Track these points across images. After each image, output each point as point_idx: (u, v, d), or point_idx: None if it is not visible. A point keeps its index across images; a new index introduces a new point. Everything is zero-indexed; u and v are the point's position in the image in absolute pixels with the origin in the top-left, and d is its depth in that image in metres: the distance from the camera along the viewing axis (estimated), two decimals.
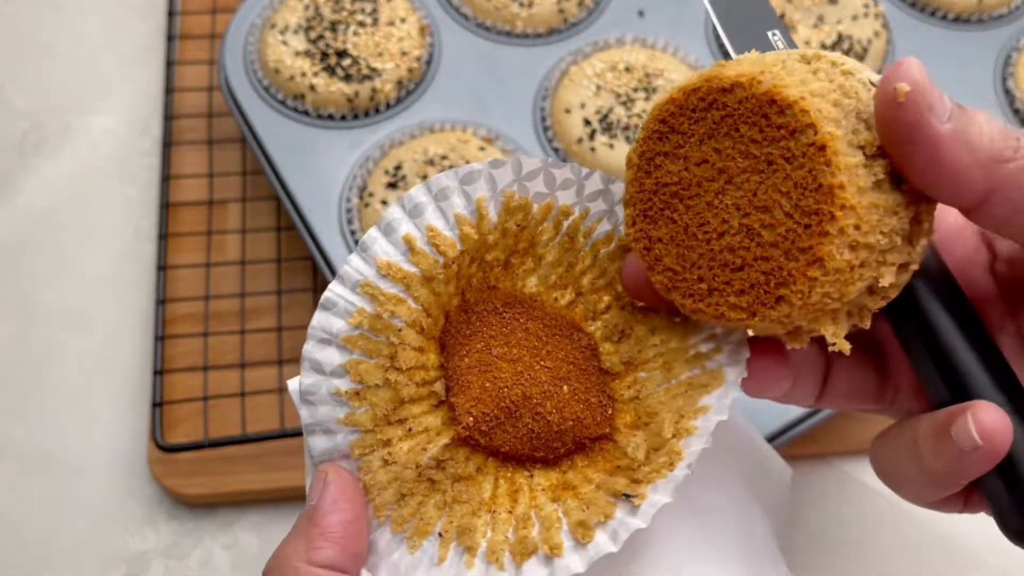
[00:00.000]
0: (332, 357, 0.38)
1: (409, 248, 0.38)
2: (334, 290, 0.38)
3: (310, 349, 0.38)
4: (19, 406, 0.71)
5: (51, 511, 0.67)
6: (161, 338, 0.71)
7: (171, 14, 0.86)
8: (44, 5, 0.90)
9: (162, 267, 0.74)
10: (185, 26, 0.86)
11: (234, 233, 0.76)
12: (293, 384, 0.39)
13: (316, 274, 0.74)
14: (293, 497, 0.68)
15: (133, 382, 0.72)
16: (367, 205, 0.70)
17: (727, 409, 0.37)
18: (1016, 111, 0.76)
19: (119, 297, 0.75)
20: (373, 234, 0.38)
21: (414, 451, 0.38)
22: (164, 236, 0.75)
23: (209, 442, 0.66)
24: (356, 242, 0.69)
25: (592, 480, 0.38)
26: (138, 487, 0.68)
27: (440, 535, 0.38)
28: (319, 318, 0.38)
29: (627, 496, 0.37)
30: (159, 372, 0.69)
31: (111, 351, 0.73)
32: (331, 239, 0.68)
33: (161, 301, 0.72)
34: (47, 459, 0.69)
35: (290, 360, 0.71)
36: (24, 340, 0.73)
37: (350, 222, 0.70)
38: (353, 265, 0.38)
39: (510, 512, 0.38)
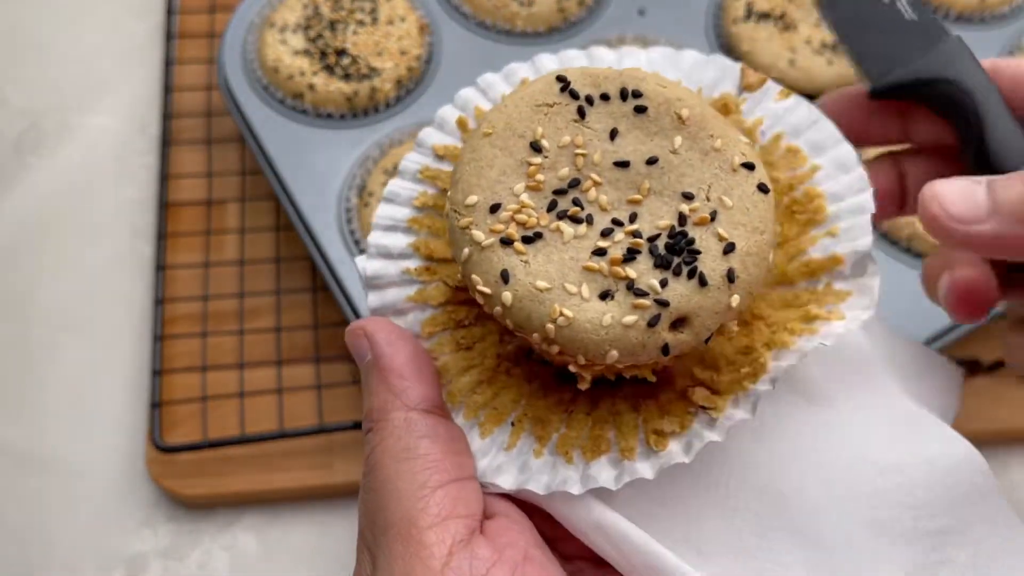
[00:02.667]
0: (399, 240, 0.38)
1: (462, 129, 0.39)
2: (395, 184, 0.39)
3: (376, 237, 0.39)
4: (18, 406, 0.71)
5: (49, 511, 0.67)
6: (160, 338, 0.71)
7: (170, 13, 0.85)
8: (43, 5, 0.89)
9: (161, 267, 0.74)
10: (184, 25, 0.85)
11: (233, 233, 0.76)
12: (361, 262, 0.39)
13: (315, 274, 0.74)
14: (293, 498, 0.68)
15: (132, 382, 0.71)
16: (366, 205, 0.69)
17: (833, 338, 0.36)
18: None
19: (118, 297, 0.75)
20: (427, 131, 0.40)
21: (490, 338, 0.38)
22: (163, 236, 0.75)
23: (208, 443, 0.66)
24: (356, 242, 0.68)
25: (675, 388, 0.37)
26: (136, 488, 0.68)
27: (512, 424, 0.37)
28: (383, 209, 0.39)
29: (704, 408, 0.36)
30: (158, 372, 0.69)
31: (110, 351, 0.73)
32: (330, 239, 0.68)
33: (160, 301, 0.72)
34: (45, 459, 0.69)
35: (289, 360, 0.71)
36: (23, 340, 0.73)
37: (349, 222, 0.69)
38: (411, 160, 0.39)
39: (588, 415, 0.37)
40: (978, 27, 0.79)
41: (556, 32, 0.78)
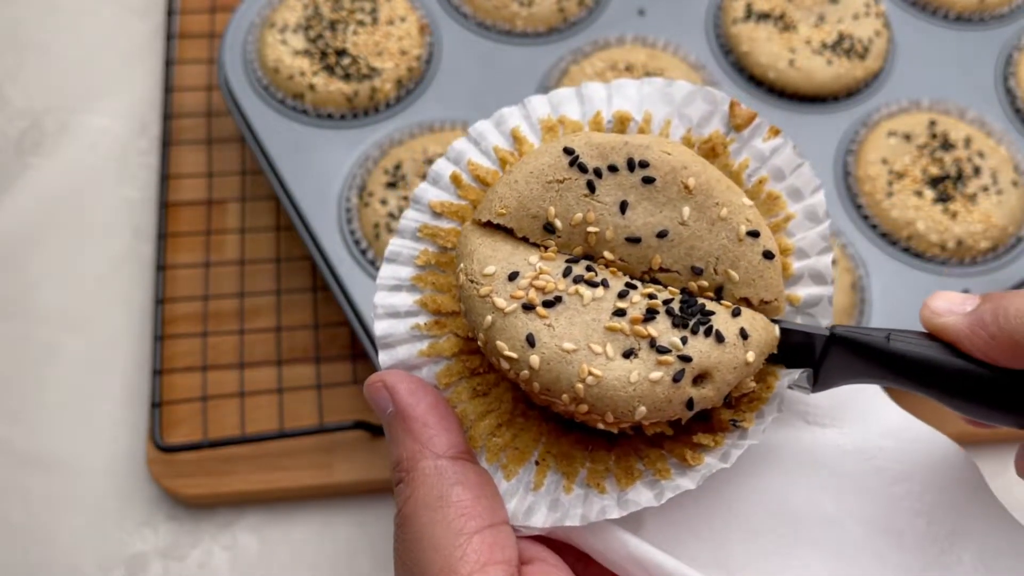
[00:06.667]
0: (404, 299, 0.39)
1: (457, 186, 0.40)
2: (395, 243, 0.40)
3: (382, 297, 0.39)
4: (18, 406, 0.71)
5: (50, 511, 0.67)
6: (160, 338, 0.71)
7: (170, 13, 0.86)
8: (43, 5, 0.90)
9: (161, 267, 0.74)
10: (184, 25, 0.85)
11: (233, 233, 0.76)
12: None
13: (315, 274, 0.74)
14: (293, 497, 0.68)
15: (132, 382, 0.71)
16: (366, 205, 0.69)
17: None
18: (1017, 111, 0.75)
19: (118, 297, 0.75)
20: (423, 186, 0.40)
21: (504, 383, 0.38)
22: (163, 236, 0.75)
23: (208, 442, 0.66)
24: (356, 242, 0.69)
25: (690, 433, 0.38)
26: (137, 487, 0.68)
27: (537, 463, 0.37)
28: (386, 270, 0.39)
29: (734, 423, 0.37)
30: (158, 372, 0.69)
31: (110, 351, 0.73)
32: (330, 238, 0.68)
33: (160, 301, 0.72)
34: (46, 459, 0.69)
35: (289, 360, 0.71)
36: (23, 340, 0.73)
37: (349, 221, 0.69)
38: (409, 218, 0.40)
39: (609, 451, 0.38)
40: (977, 27, 0.79)
41: (556, 32, 0.78)
